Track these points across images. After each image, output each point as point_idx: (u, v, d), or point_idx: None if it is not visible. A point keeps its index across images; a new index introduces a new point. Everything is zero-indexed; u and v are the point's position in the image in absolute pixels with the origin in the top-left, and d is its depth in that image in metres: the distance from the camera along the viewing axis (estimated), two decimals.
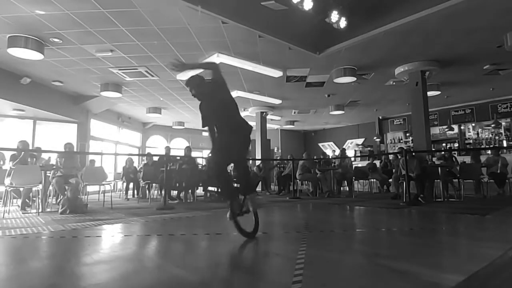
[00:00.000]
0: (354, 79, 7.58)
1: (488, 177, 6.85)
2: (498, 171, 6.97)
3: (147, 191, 7.72)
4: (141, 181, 7.33)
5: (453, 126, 11.50)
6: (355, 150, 14.59)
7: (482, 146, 10.81)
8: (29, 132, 9.11)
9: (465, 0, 4.53)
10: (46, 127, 9.55)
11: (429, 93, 8.02)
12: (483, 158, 7.62)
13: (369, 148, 14.23)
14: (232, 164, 3.57)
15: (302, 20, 5.10)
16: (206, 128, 2.83)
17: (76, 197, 5.13)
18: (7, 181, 5.08)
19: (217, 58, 6.40)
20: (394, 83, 8.53)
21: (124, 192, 8.31)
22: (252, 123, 12.52)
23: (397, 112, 12.92)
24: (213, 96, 2.81)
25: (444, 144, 12.10)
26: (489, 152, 8.98)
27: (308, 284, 1.62)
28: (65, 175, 5.60)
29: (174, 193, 7.68)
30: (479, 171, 6.75)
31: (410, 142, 11.69)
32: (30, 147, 7.40)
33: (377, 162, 9.24)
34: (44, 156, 6.54)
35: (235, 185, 3.09)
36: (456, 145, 11.68)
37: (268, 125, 12.55)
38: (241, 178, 3.05)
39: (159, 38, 5.66)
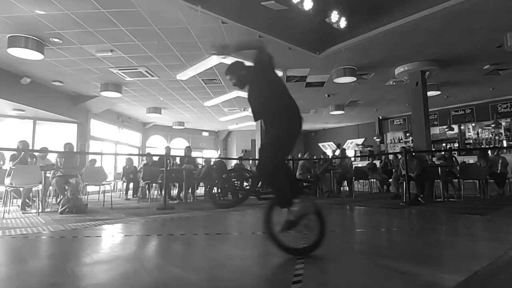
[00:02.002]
0: (354, 79, 7.58)
1: (488, 177, 6.83)
2: (498, 171, 6.96)
3: (147, 191, 7.73)
4: (141, 181, 7.34)
5: (453, 126, 11.50)
6: (355, 150, 14.58)
7: (482, 146, 10.80)
8: (29, 132, 9.11)
9: (465, 0, 4.53)
10: (46, 127, 9.56)
11: (429, 93, 8.01)
12: None
13: (369, 148, 14.22)
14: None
15: (302, 20, 5.09)
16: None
17: (76, 197, 5.13)
18: (7, 181, 5.08)
19: (217, 58, 6.39)
20: (394, 83, 8.53)
21: (125, 192, 8.31)
22: (252, 123, 12.65)
23: (397, 112, 12.91)
24: (257, 83, 2.38)
25: (444, 144, 12.10)
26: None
27: (308, 284, 1.62)
28: (65, 175, 5.61)
29: (174, 193, 7.68)
30: (486, 171, 6.52)
31: (410, 142, 11.69)
32: (31, 147, 7.40)
33: (377, 162, 9.24)
34: (49, 157, 6.53)
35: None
36: (456, 145, 11.68)
37: None
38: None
39: (159, 38, 5.66)
